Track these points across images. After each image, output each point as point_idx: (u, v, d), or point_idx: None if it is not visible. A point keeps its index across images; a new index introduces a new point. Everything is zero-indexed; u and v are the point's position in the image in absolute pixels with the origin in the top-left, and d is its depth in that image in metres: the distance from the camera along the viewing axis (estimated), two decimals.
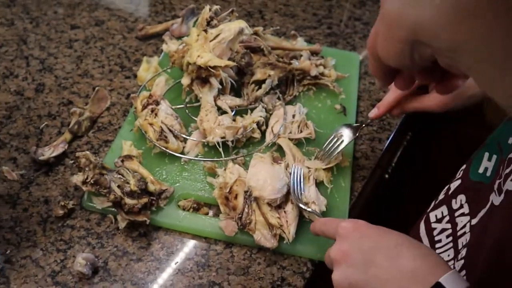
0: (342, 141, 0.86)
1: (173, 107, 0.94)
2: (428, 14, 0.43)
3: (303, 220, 0.81)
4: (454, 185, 0.78)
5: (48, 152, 0.89)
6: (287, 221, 0.78)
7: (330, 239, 0.67)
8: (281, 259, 0.79)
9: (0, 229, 0.79)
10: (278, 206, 0.80)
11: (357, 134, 0.86)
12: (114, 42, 1.16)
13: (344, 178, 0.88)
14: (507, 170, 0.63)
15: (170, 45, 1.02)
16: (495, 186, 0.65)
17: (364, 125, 0.88)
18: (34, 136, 0.94)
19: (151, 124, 0.89)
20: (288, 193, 0.81)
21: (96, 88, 1.01)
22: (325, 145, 0.87)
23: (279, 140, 0.90)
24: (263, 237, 0.77)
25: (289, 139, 0.91)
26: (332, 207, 0.83)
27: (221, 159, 0.87)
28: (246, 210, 0.79)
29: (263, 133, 0.93)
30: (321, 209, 0.80)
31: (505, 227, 0.61)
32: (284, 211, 0.80)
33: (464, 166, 0.79)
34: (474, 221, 0.69)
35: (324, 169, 0.87)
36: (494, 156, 0.71)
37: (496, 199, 0.64)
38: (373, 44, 0.53)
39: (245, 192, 0.81)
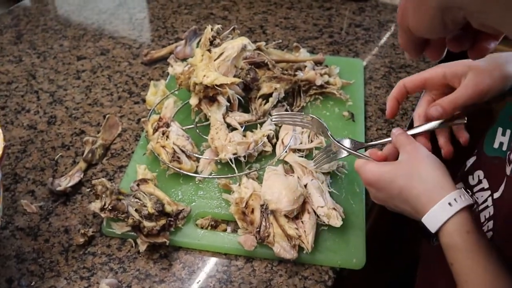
0: (336, 153, 0.82)
1: (183, 128, 0.95)
2: None
3: (320, 229, 0.82)
4: (469, 162, 0.81)
5: (64, 183, 0.90)
6: (305, 231, 0.79)
7: None
8: (302, 269, 0.79)
9: (23, 261, 0.81)
10: (295, 216, 0.80)
11: (353, 152, 0.80)
12: (121, 69, 1.18)
13: (359, 184, 0.89)
14: None
15: (176, 68, 1.04)
16: (507, 158, 0.67)
17: (365, 146, 0.81)
18: (50, 167, 0.95)
19: (163, 147, 0.90)
20: (304, 202, 0.82)
21: (107, 116, 1.03)
22: (321, 153, 0.85)
23: (286, 157, 0.90)
24: (282, 249, 0.78)
25: (300, 150, 0.92)
26: (349, 214, 0.84)
27: (234, 175, 0.88)
28: (263, 223, 0.80)
29: (274, 146, 0.94)
30: (341, 215, 0.80)
31: None
32: (302, 221, 0.80)
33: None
34: (496, 195, 0.70)
35: (323, 173, 0.88)
36: (508, 131, 0.73)
37: (508, 169, 0.67)
38: (403, 17, 0.53)
39: (261, 205, 0.81)
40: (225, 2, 1.43)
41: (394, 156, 0.75)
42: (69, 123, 1.04)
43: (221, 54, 0.95)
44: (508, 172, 0.66)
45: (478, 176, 0.75)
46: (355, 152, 0.78)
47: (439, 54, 0.59)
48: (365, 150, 0.80)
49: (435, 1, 0.47)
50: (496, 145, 0.73)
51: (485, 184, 0.74)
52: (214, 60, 0.95)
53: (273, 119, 0.87)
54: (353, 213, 0.85)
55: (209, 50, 0.97)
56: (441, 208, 0.64)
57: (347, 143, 0.80)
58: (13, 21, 1.37)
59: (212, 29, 1.00)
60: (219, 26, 1.00)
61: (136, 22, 1.36)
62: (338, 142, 0.80)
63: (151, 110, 1.03)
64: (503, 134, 0.73)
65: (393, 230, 1.11)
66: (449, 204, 0.63)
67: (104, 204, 0.82)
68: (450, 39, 0.56)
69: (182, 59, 1.15)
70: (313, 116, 0.84)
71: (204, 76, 0.92)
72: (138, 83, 1.14)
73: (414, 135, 0.76)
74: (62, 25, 1.35)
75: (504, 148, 0.72)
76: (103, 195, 0.82)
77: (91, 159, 0.95)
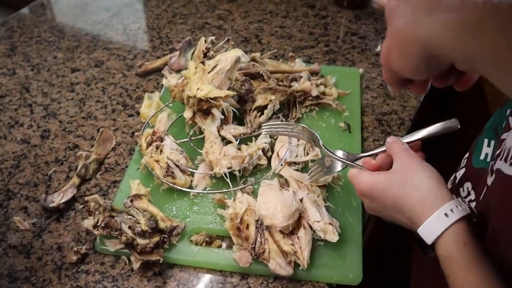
0: (331, 166, 0.80)
1: (177, 141, 0.94)
2: (437, 31, 0.44)
3: (316, 244, 0.81)
4: (459, 174, 0.79)
5: (57, 199, 0.89)
6: (300, 247, 0.78)
7: None
8: (298, 286, 0.78)
9: (15, 280, 0.79)
10: (291, 232, 0.79)
11: (345, 167, 0.78)
12: (115, 81, 1.17)
13: (355, 198, 0.87)
14: (498, 151, 0.64)
15: (170, 79, 1.03)
16: (489, 169, 0.66)
17: (358, 157, 0.78)
18: (43, 183, 0.94)
19: (157, 161, 0.89)
20: (300, 217, 0.80)
21: (101, 130, 1.02)
22: (315, 165, 0.83)
23: (281, 171, 0.89)
24: (278, 265, 0.77)
25: (296, 163, 0.91)
26: (345, 228, 0.82)
27: (229, 190, 0.87)
28: (258, 239, 0.79)
29: (270, 159, 0.93)
30: (337, 230, 0.79)
31: (497, 206, 0.62)
32: (297, 237, 0.79)
33: (467, 154, 0.79)
34: (471, 206, 0.70)
35: (319, 186, 0.86)
36: (492, 142, 0.72)
37: (489, 179, 0.65)
38: (386, 60, 0.53)
39: (256, 221, 0.80)
40: (220, 11, 1.42)
41: (388, 165, 0.74)
42: (63, 137, 1.03)
43: (214, 66, 0.94)
44: (489, 183, 0.65)
45: (467, 188, 0.75)
46: (348, 162, 0.77)
47: (423, 89, 0.59)
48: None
49: (417, 49, 0.47)
50: (482, 157, 0.73)
51: (472, 195, 0.73)
52: (208, 73, 0.94)
53: (264, 130, 0.86)
54: (349, 227, 0.83)
55: (202, 63, 0.96)
56: (437, 219, 0.62)
57: (340, 155, 0.79)
58: (7, 33, 1.36)
59: (205, 41, 0.99)
60: (213, 37, 0.99)
61: (130, 32, 1.35)
62: (331, 153, 0.79)
63: (145, 124, 1.02)
64: (488, 145, 0.73)
65: (388, 240, 1.10)
66: (446, 214, 0.62)
67: (97, 221, 0.81)
68: (435, 77, 0.56)
69: (177, 71, 1.14)
70: (304, 125, 0.82)
71: (198, 89, 0.91)
72: (133, 95, 1.13)
73: (408, 143, 0.75)
74: (56, 36, 1.34)
75: (488, 159, 0.71)
76: (96, 212, 0.81)
77: (84, 174, 0.94)
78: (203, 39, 0.99)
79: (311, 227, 0.80)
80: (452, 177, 0.81)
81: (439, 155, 0.94)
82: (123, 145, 1.01)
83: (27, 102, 1.13)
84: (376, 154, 0.78)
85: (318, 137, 0.81)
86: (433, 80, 0.56)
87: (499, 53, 0.41)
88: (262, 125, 0.87)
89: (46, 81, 1.19)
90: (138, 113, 1.08)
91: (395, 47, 0.50)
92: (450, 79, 0.55)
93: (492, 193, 0.64)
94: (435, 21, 0.44)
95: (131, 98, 1.12)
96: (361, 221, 0.85)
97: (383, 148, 0.76)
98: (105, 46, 1.30)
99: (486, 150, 0.73)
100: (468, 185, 0.75)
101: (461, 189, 0.76)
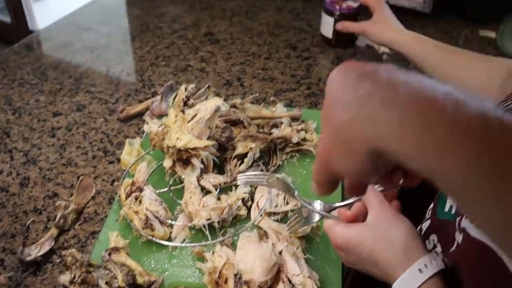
0: (308, 217, 0.80)
1: (157, 191, 0.94)
2: (389, 135, 0.39)
3: None
4: (425, 225, 0.79)
5: (35, 251, 0.88)
6: None
7: None
8: None
9: None
10: (269, 287, 0.79)
11: (320, 218, 0.79)
12: (96, 126, 1.17)
13: (334, 250, 0.87)
14: None
15: (151, 125, 1.03)
16: (456, 224, 0.66)
17: (334, 208, 0.78)
18: (21, 234, 0.93)
19: (136, 212, 0.89)
20: (279, 271, 0.80)
21: (81, 177, 1.01)
22: (293, 216, 0.83)
23: (260, 222, 0.89)
24: None
25: (276, 213, 0.90)
26: (325, 281, 0.82)
27: (208, 242, 0.86)
28: None
29: (250, 209, 0.92)
30: (316, 284, 0.78)
31: (466, 266, 0.63)
32: None
33: (432, 205, 0.79)
34: (445, 260, 0.69)
35: (298, 237, 0.85)
36: None
37: (458, 236, 0.65)
38: (325, 157, 0.47)
39: (235, 275, 0.80)
40: (203, 53, 1.43)
41: (364, 214, 0.74)
42: (42, 185, 1.03)
43: (194, 115, 0.95)
44: (459, 240, 0.65)
45: (433, 240, 0.75)
46: (323, 213, 0.77)
47: (361, 192, 0.52)
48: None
49: (364, 146, 0.42)
50: (446, 209, 0.73)
51: (439, 248, 0.73)
52: (188, 122, 0.94)
53: (240, 180, 0.86)
54: (328, 280, 0.83)
55: (182, 111, 0.96)
56: (411, 275, 0.63)
57: (317, 205, 0.79)
58: None
59: (186, 89, 0.99)
60: (193, 86, 1.00)
61: (113, 75, 1.35)
62: (308, 204, 0.79)
63: (125, 172, 1.01)
64: None
65: None
66: (419, 270, 0.63)
67: (74, 277, 0.80)
68: (380, 177, 0.49)
69: (158, 116, 1.14)
70: (278, 176, 0.83)
71: (178, 139, 0.91)
72: (114, 141, 1.13)
73: (383, 191, 0.75)
74: (39, 79, 1.34)
75: (453, 211, 0.71)
76: (73, 267, 0.80)
77: (63, 225, 0.93)
78: (183, 87, 1.00)
79: (290, 281, 0.80)
80: (418, 229, 0.81)
81: (416, 200, 0.94)
82: (103, 193, 1.00)
83: (7, 148, 1.12)
84: (352, 203, 0.78)
85: (294, 188, 0.81)
86: (380, 181, 0.51)
87: (469, 176, 0.36)
88: (238, 175, 0.87)
89: (27, 125, 1.18)
90: (118, 160, 1.07)
91: (338, 146, 0.44)
92: (398, 178, 0.50)
93: (461, 253, 0.64)
94: (389, 117, 0.39)
95: (112, 144, 1.12)
96: (341, 274, 0.84)
97: (359, 197, 0.76)
98: (87, 89, 1.30)
99: (451, 201, 0.72)
100: (434, 237, 0.75)
101: (427, 241, 0.76)
